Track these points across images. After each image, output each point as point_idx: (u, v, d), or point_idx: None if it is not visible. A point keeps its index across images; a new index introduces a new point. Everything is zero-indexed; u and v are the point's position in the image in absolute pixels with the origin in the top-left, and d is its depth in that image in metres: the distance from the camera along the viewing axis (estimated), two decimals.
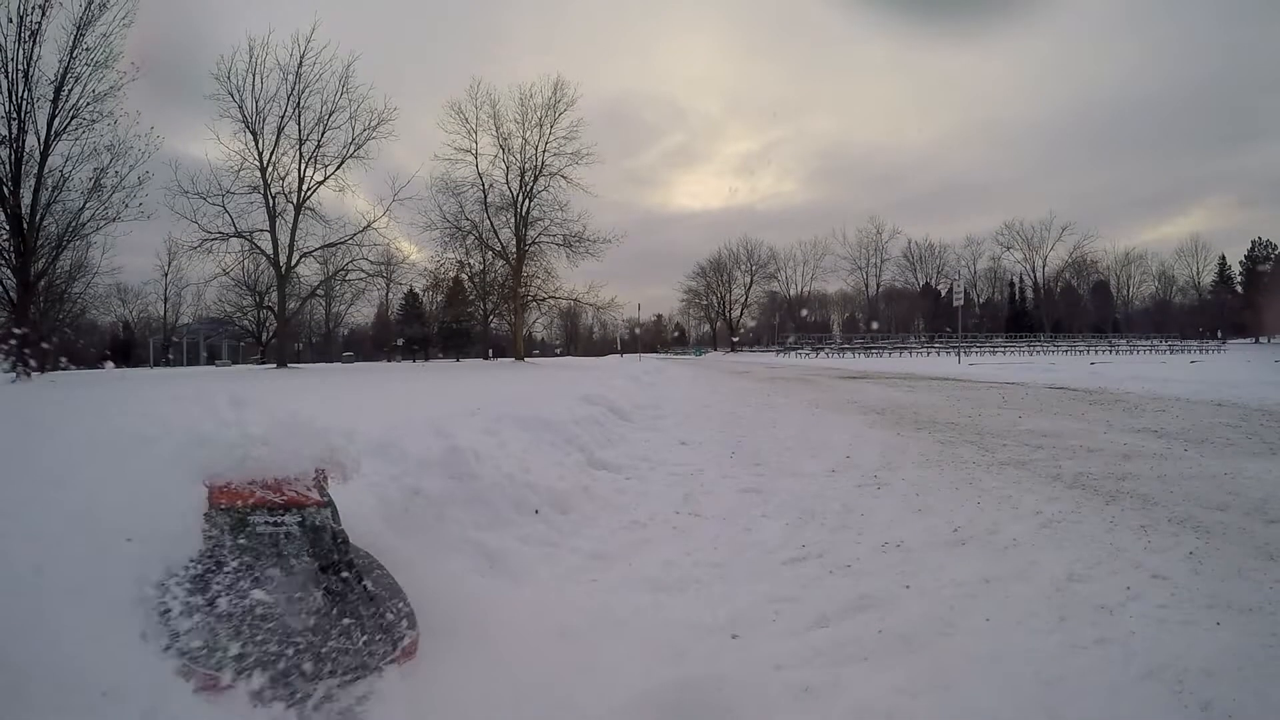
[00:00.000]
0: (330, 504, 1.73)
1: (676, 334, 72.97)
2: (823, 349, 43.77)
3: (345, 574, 1.64)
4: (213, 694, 1.30)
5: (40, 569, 1.27)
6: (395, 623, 1.58)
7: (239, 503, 1.59)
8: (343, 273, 30.60)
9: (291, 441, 1.70)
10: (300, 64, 27.23)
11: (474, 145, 33.45)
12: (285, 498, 1.66)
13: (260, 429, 1.68)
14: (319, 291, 35.31)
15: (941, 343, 44.71)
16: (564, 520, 3.21)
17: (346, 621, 1.52)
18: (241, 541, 1.55)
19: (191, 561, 1.48)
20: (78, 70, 18.38)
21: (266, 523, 1.59)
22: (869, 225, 66.89)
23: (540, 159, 33.50)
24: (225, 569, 1.48)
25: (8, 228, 17.66)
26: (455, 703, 1.64)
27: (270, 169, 27.31)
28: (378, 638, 1.53)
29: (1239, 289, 59.75)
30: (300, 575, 1.54)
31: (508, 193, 33.81)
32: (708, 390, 12.02)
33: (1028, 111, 79.28)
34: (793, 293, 68.48)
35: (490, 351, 44.10)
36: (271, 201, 27.22)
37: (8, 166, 17.53)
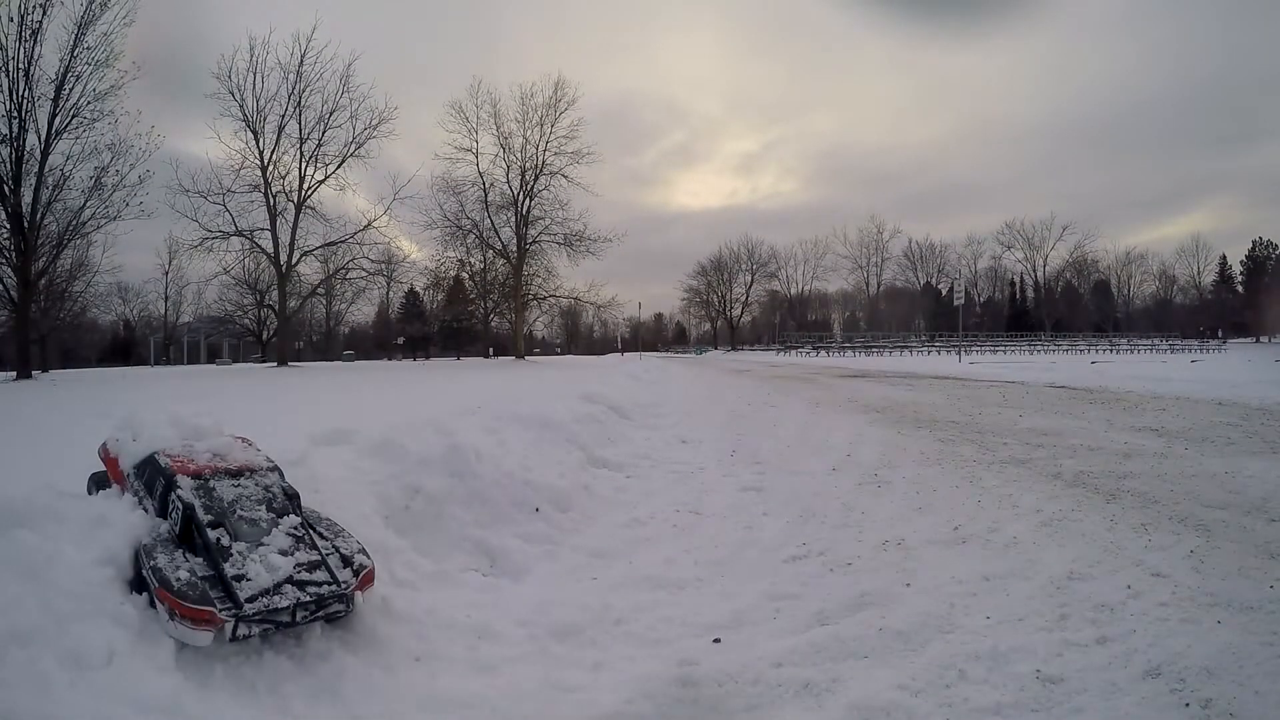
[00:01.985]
0: (277, 469, 2.12)
1: (677, 333, 72.92)
2: (823, 348, 43.75)
3: (301, 521, 1.98)
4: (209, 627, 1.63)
5: None
6: (352, 556, 1.93)
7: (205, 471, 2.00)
8: (343, 271, 30.58)
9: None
10: (301, 63, 27.12)
11: (474, 144, 33.36)
12: (238, 464, 2.06)
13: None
14: (320, 290, 35.30)
15: (942, 342, 44.62)
16: (564, 518, 3.21)
17: (314, 556, 1.86)
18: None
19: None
20: (78, 69, 18.33)
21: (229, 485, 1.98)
22: (870, 224, 66.76)
23: (541, 158, 33.44)
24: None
25: (8, 226, 17.66)
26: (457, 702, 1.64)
27: (271, 168, 27.26)
28: (343, 568, 1.88)
29: (1240, 288, 59.67)
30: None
31: (508, 192, 33.79)
32: (708, 389, 12.01)
33: (1028, 111, 79.18)
34: (793, 292, 68.43)
35: (491, 350, 44.16)
36: (272, 200, 27.18)
37: (9, 165, 17.52)
